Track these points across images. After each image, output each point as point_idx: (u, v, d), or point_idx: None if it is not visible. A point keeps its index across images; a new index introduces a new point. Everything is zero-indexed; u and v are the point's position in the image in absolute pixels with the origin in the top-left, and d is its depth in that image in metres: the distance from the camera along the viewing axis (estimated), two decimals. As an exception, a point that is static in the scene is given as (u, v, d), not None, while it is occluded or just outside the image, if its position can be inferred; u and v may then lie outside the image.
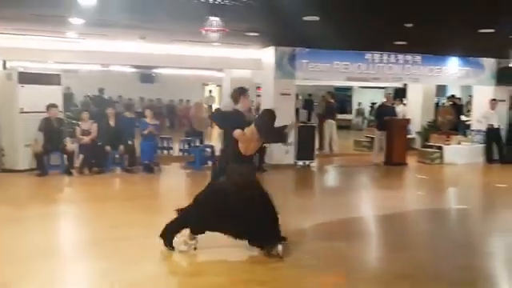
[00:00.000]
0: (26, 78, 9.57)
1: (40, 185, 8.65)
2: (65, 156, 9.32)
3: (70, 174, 9.21)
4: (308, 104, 21.60)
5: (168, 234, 4.95)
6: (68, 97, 14.38)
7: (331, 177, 11.44)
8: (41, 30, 9.63)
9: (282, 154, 10.88)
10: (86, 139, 9.61)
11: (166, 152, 12.05)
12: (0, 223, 6.07)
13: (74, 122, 10.83)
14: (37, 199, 7.65)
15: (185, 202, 5.19)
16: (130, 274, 4.47)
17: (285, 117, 10.77)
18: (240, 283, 4.37)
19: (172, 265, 4.94)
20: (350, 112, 23.68)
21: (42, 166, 9.09)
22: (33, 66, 10.86)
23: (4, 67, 10.51)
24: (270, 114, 4.99)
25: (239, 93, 5.21)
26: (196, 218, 4.87)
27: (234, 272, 4.65)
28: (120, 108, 13.78)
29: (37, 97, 9.27)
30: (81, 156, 9.63)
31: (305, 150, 11.18)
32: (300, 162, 11.21)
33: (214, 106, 16.61)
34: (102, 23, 8.58)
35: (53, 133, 9.28)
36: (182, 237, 5.01)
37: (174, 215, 5.01)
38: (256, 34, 9.51)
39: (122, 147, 9.67)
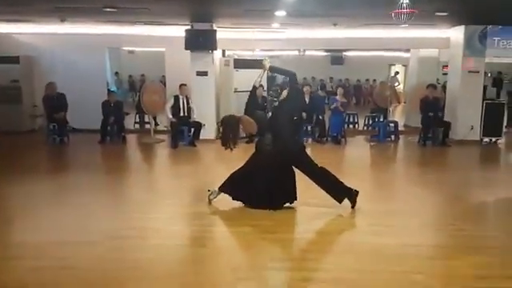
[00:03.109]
0: (240, 64, 10.46)
1: (247, 150, 9.35)
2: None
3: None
4: (497, 82, 18.87)
5: None
6: (271, 79, 15.20)
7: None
8: (251, 23, 10.24)
9: (467, 130, 9.87)
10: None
11: (351, 126, 11.94)
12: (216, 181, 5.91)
13: (275, 99, 11.44)
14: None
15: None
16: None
17: (472, 94, 9.82)
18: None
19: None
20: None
21: (250, 136, 9.89)
22: (244, 53, 11.74)
23: (223, 55, 11.60)
24: None
25: None
26: None
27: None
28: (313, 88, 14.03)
29: (247, 79, 10.00)
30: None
31: (492, 126, 9.97)
32: (486, 139, 10.00)
33: (398, 86, 15.68)
34: (301, 14, 8.69)
35: (258, 108, 9.96)
36: None
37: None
38: (445, 14, 8.61)
39: (314, 120, 9.90)
